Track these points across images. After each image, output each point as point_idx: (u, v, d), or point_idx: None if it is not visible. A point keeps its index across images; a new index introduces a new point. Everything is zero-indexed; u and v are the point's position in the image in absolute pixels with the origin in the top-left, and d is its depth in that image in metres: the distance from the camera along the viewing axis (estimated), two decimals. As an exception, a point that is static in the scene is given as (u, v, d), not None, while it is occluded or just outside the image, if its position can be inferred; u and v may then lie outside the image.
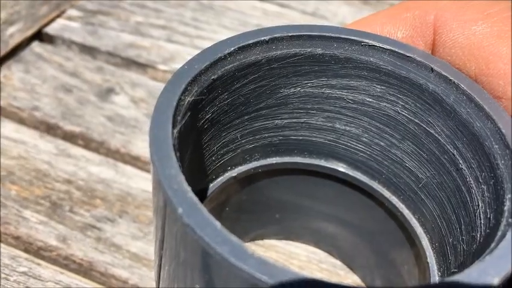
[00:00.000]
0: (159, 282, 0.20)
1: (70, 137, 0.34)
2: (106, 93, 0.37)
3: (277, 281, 0.13)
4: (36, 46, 0.40)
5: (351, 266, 0.29)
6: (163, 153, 0.15)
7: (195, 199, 0.14)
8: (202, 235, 0.14)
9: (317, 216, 0.27)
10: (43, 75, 0.37)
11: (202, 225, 0.14)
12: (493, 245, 0.15)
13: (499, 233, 0.15)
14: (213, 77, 0.19)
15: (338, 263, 0.29)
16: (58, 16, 0.42)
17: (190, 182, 0.21)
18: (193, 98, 0.18)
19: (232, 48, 0.19)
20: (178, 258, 0.16)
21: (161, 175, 0.15)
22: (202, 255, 0.14)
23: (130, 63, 0.40)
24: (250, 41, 0.20)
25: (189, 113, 0.18)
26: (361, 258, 0.28)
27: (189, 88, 0.18)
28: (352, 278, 0.29)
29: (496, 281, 0.14)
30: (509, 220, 0.15)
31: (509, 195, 0.16)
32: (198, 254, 0.14)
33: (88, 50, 0.40)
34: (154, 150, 0.16)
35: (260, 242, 0.30)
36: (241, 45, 0.19)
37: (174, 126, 0.17)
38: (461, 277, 0.14)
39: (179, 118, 0.17)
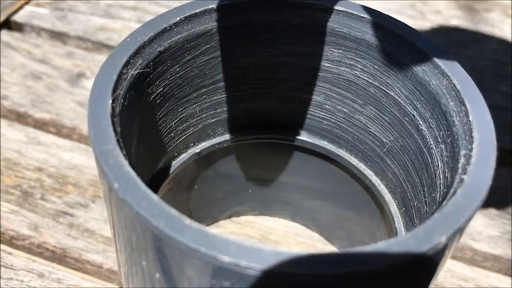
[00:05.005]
0: (120, 268, 0.20)
1: (41, 125, 0.33)
2: (76, 78, 0.36)
3: (215, 251, 0.12)
4: (4, 35, 0.39)
5: (328, 238, 0.28)
6: (100, 129, 0.15)
7: (132, 173, 0.14)
8: (138, 209, 0.13)
9: (290, 189, 0.27)
10: (11, 63, 0.37)
11: (139, 199, 0.13)
12: (444, 202, 0.14)
13: (452, 191, 0.15)
14: (159, 49, 0.18)
15: (315, 235, 0.29)
16: (26, 3, 0.41)
17: (147, 160, 0.20)
18: (137, 71, 0.17)
19: (178, 18, 0.19)
20: (125, 237, 0.16)
21: (97, 151, 0.14)
22: (142, 230, 0.14)
23: (101, 46, 0.39)
24: (197, 10, 0.19)
25: (134, 87, 0.17)
26: (337, 229, 0.27)
27: (132, 61, 0.17)
28: (329, 250, 0.28)
29: (443, 239, 0.13)
30: (462, 177, 0.15)
31: (463, 152, 0.16)
32: (138, 229, 0.14)
33: (57, 36, 0.39)
34: (92, 125, 0.15)
35: (236, 219, 0.30)
36: (187, 14, 0.19)
37: (114, 101, 0.16)
38: (408, 237, 0.13)
39: (121, 92, 0.17)
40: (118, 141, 0.15)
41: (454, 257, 0.29)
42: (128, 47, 0.17)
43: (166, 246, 0.13)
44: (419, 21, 0.43)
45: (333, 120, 0.23)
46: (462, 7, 0.45)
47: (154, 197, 0.14)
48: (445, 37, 0.42)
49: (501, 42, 0.42)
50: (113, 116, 0.15)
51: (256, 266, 0.12)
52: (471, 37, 0.42)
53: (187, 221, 0.13)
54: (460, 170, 0.15)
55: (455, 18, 0.43)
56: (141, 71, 0.18)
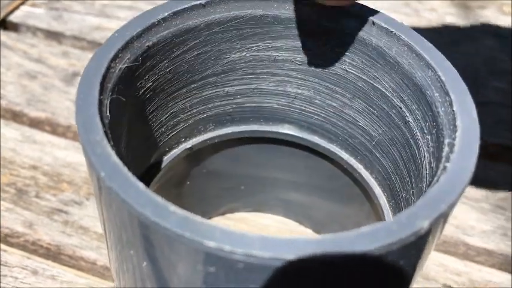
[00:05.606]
0: (111, 265, 0.20)
1: (36, 123, 0.33)
2: (71, 77, 0.36)
3: (200, 236, 0.13)
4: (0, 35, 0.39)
5: (321, 233, 0.28)
6: (88, 120, 0.15)
7: (119, 162, 0.14)
8: (125, 197, 0.13)
9: (282, 185, 0.27)
10: (7, 63, 0.37)
11: (125, 187, 0.14)
12: (428, 190, 0.15)
13: (435, 179, 0.15)
14: (147, 44, 0.19)
15: (309, 231, 0.29)
16: (22, 3, 0.42)
17: (138, 155, 0.20)
18: (126, 65, 0.18)
19: (166, 14, 0.19)
20: (114, 229, 0.16)
21: (85, 141, 0.15)
22: (129, 218, 0.14)
23: (96, 46, 0.39)
24: (185, 5, 0.19)
25: (123, 81, 0.18)
26: (329, 224, 0.27)
27: (120, 55, 0.18)
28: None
29: (426, 224, 0.13)
30: (445, 165, 0.15)
31: (447, 140, 0.16)
32: (125, 217, 0.14)
33: (53, 36, 0.40)
34: (79, 117, 0.15)
35: (230, 215, 0.30)
36: (175, 10, 0.19)
37: (102, 93, 0.16)
38: (391, 222, 0.13)
39: (110, 85, 0.17)
40: (105, 132, 0.15)
41: (447, 252, 0.29)
42: (116, 41, 0.18)
43: (153, 233, 0.13)
44: (414, 18, 0.43)
45: (322, 115, 0.23)
46: (457, 4, 0.45)
47: (141, 185, 0.14)
48: (439, 35, 0.42)
49: (496, 39, 0.42)
50: (100, 107, 0.16)
51: (240, 251, 0.12)
52: (466, 34, 0.42)
53: (172, 207, 0.13)
54: (443, 159, 0.15)
55: (450, 16, 0.44)
56: (129, 65, 0.18)
